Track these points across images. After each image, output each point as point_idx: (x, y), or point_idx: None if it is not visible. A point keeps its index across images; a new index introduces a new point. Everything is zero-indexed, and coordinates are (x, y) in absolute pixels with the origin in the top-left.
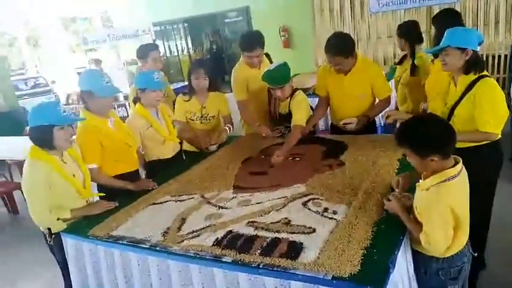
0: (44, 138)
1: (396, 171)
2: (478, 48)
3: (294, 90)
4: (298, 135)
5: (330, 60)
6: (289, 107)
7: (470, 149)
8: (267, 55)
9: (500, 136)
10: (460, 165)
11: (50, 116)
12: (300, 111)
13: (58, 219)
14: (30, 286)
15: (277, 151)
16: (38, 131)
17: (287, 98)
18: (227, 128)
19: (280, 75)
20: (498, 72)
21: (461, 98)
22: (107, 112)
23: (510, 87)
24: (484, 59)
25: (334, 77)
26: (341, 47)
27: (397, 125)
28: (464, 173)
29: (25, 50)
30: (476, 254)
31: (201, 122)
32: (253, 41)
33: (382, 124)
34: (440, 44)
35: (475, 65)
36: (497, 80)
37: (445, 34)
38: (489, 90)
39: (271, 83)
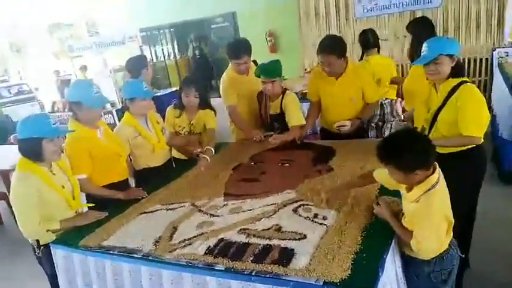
0: (33, 151)
1: None
2: None
3: (284, 91)
4: (298, 133)
5: (322, 61)
6: (280, 106)
7: (455, 153)
8: (255, 62)
9: (483, 140)
10: (438, 169)
11: (39, 128)
12: (296, 110)
13: (47, 230)
14: None
15: (276, 135)
16: (27, 143)
17: (278, 97)
18: (207, 157)
19: (272, 68)
20: (480, 75)
21: (443, 103)
22: (96, 122)
23: (491, 90)
24: (466, 62)
25: (326, 81)
26: (334, 47)
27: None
28: (442, 175)
29: (8, 57)
30: (464, 256)
31: None
32: (239, 48)
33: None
34: (428, 54)
35: (461, 69)
36: (479, 83)
37: (428, 45)
38: (471, 95)
39: (264, 74)
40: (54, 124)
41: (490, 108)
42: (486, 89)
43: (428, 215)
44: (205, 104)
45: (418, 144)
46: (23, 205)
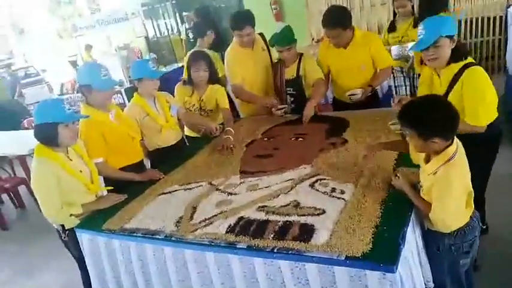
0: (48, 136)
1: None
2: None
3: (300, 55)
4: (323, 87)
5: (327, 34)
6: (297, 70)
7: (465, 135)
8: (261, 35)
9: (497, 114)
10: (456, 140)
11: (54, 113)
12: (316, 67)
13: (71, 215)
14: (47, 279)
15: (305, 109)
16: (42, 129)
17: (294, 62)
18: (230, 137)
19: (286, 36)
20: (493, 34)
21: (448, 90)
22: (107, 105)
23: (506, 49)
24: (479, 21)
25: (335, 51)
26: (339, 19)
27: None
28: (461, 146)
29: (11, 39)
30: (485, 227)
31: (200, 114)
32: (242, 19)
33: (381, 96)
34: (427, 37)
35: (462, 51)
36: (493, 42)
37: (424, 26)
38: (475, 81)
39: (280, 44)
40: (69, 109)
41: (505, 68)
42: (501, 48)
43: (446, 187)
44: (214, 79)
45: (439, 112)
46: (44, 191)
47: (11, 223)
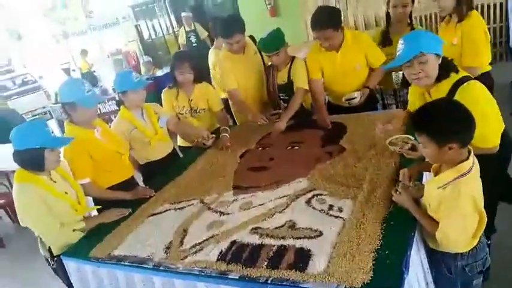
0: (34, 162)
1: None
2: None
3: (292, 58)
4: (300, 99)
5: (318, 36)
6: (288, 75)
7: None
8: (252, 37)
9: (503, 125)
10: (472, 155)
11: (40, 137)
12: (302, 75)
13: (74, 230)
14: None
15: (278, 122)
16: (27, 155)
17: (285, 66)
18: (227, 134)
19: (273, 41)
20: (495, 21)
21: None
22: (92, 122)
23: (508, 36)
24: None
25: (327, 55)
26: (328, 20)
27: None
28: (476, 163)
29: (8, 45)
30: (489, 242)
31: (192, 115)
32: (231, 27)
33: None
34: (406, 52)
35: (449, 66)
36: (494, 30)
37: (403, 41)
38: (474, 102)
39: (265, 50)
40: (52, 132)
41: (508, 55)
42: (502, 35)
43: (456, 205)
44: (199, 77)
45: (454, 113)
46: (36, 216)
47: (8, 239)
